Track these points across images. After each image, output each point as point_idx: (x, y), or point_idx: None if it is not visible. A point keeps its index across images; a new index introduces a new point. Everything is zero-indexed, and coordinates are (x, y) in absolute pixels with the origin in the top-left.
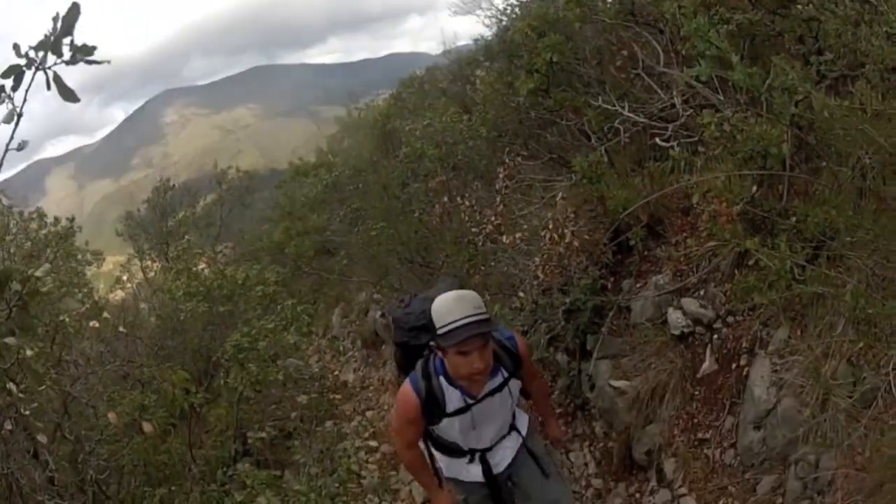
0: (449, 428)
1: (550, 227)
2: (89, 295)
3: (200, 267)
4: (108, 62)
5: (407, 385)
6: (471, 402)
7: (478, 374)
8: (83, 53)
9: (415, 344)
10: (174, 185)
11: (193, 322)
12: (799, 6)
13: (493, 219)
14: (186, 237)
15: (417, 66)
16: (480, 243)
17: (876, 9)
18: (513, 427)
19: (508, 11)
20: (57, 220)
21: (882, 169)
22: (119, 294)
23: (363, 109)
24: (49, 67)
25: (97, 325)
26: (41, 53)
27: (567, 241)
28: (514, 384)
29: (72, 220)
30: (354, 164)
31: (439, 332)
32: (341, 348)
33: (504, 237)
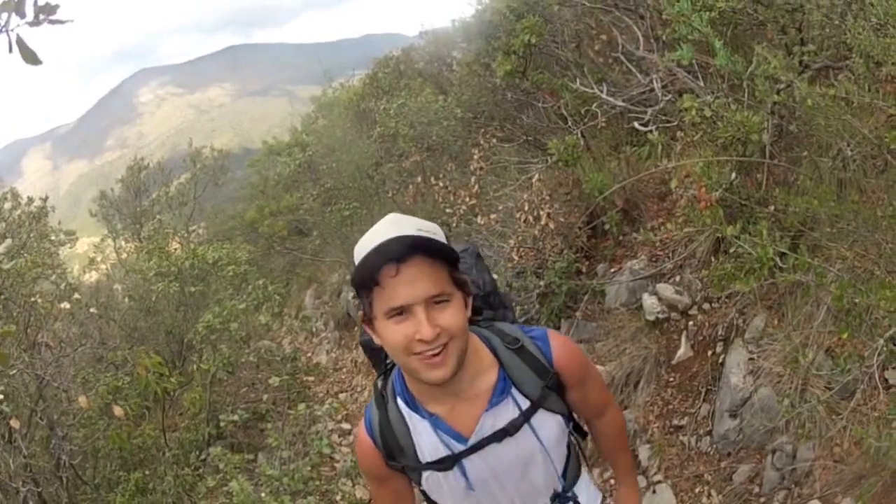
0: (436, 489)
1: (525, 209)
2: (63, 276)
3: (173, 247)
4: (72, 21)
5: (361, 424)
6: (460, 448)
7: (434, 359)
8: (46, 13)
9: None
10: (148, 165)
11: (166, 303)
12: None
13: (467, 199)
14: (158, 217)
15: (394, 47)
16: (454, 224)
17: (863, 1)
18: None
19: None
20: (31, 199)
21: (864, 161)
22: (93, 275)
23: (338, 89)
24: (11, 30)
25: (68, 306)
26: (4, 15)
27: (542, 223)
28: (549, 421)
29: (45, 199)
30: (328, 143)
31: (355, 276)
32: (314, 329)
33: (479, 218)
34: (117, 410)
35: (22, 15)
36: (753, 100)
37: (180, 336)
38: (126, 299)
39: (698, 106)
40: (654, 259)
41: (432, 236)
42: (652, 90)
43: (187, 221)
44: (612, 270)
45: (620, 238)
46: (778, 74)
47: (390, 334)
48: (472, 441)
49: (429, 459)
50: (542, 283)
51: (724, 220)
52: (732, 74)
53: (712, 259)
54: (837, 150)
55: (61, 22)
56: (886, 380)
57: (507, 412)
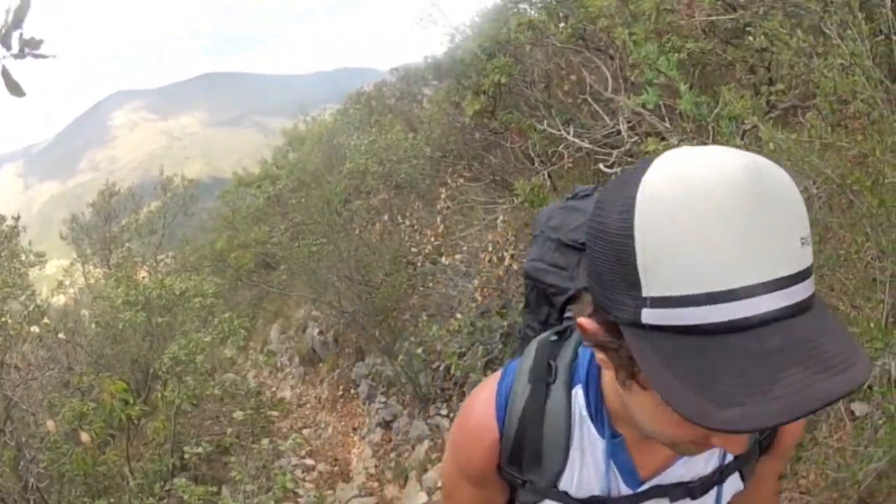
0: None
1: (490, 249)
2: (32, 298)
3: (141, 275)
4: (55, 56)
5: (485, 391)
6: (623, 492)
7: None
8: (31, 47)
9: (553, 289)
10: (119, 191)
11: (132, 331)
12: (751, 37)
13: (433, 239)
14: (128, 244)
15: (367, 81)
16: (420, 263)
17: (830, 41)
18: None
19: (461, 29)
20: (2, 218)
21: (828, 199)
22: (61, 298)
23: (310, 123)
24: None
25: (37, 330)
26: None
27: (507, 264)
28: (732, 488)
29: (17, 219)
30: (298, 178)
31: (655, 297)
32: (278, 364)
33: (444, 258)
34: (84, 436)
35: (8, 47)
36: (718, 142)
37: (146, 365)
38: (93, 325)
39: (662, 149)
40: None
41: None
42: (618, 132)
43: (156, 250)
44: None
45: None
46: (743, 116)
47: (666, 421)
48: (645, 487)
49: (572, 491)
50: (505, 323)
51: None
52: (697, 117)
53: None
54: (803, 187)
55: (44, 56)
56: (853, 411)
57: (702, 464)
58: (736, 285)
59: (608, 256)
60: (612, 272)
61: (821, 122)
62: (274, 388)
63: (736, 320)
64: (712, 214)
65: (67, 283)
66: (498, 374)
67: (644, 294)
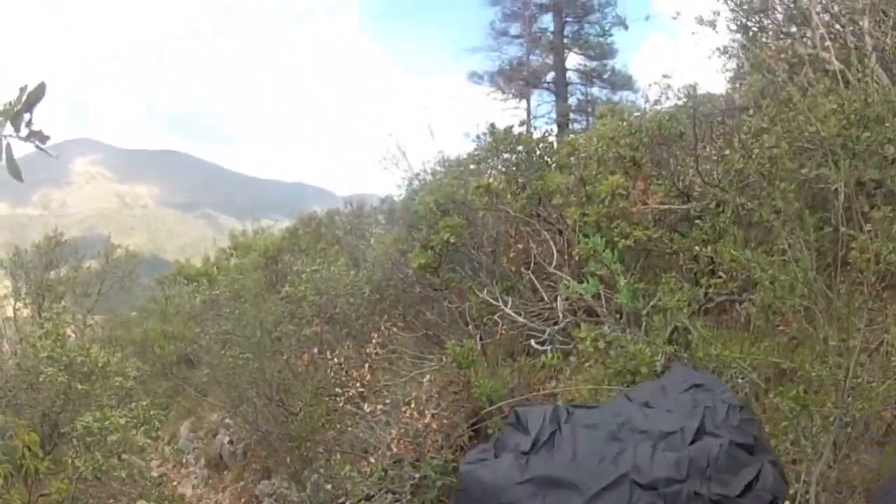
0: None
1: (413, 405)
2: None
3: (69, 333)
4: (56, 157)
5: None
6: None
7: None
8: (38, 139)
9: None
10: (65, 242)
11: (50, 386)
12: (699, 229)
13: (358, 385)
14: (63, 302)
15: (321, 203)
16: (342, 403)
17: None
18: None
19: (421, 177)
20: None
21: (753, 386)
22: None
23: (258, 234)
24: (3, 136)
25: None
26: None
27: (426, 420)
28: None
29: None
30: (237, 289)
31: None
32: (184, 460)
33: (366, 405)
34: None
35: (17, 129)
36: (649, 334)
37: (55, 421)
38: (10, 360)
39: (594, 337)
40: None
41: None
42: (554, 308)
43: (86, 313)
44: None
45: None
46: (679, 307)
47: None
48: None
49: None
50: (417, 475)
51: None
52: (633, 311)
53: None
54: (729, 377)
55: (48, 153)
56: None
57: None
58: None
59: None
60: None
61: (757, 313)
62: (176, 483)
63: None
64: None
65: None
66: None
67: None
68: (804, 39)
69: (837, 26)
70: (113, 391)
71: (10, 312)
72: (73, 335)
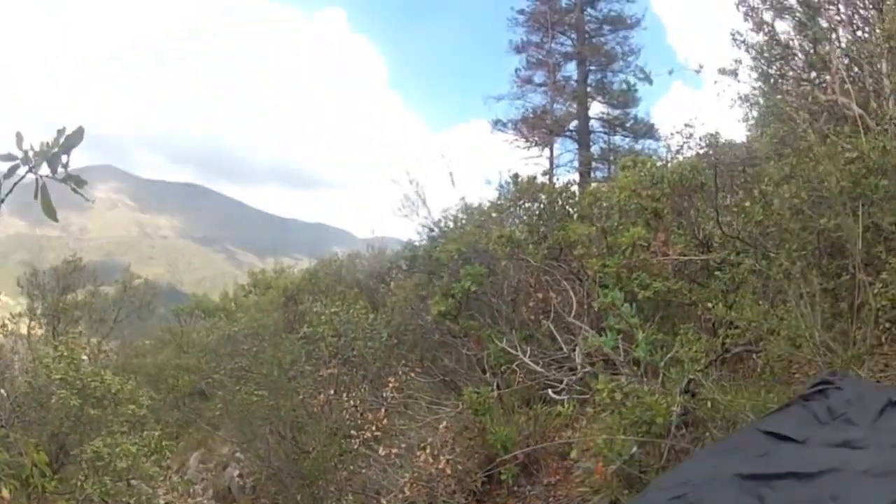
0: None
1: (427, 449)
2: None
3: (83, 357)
4: (92, 202)
5: None
6: None
7: None
8: (75, 182)
9: None
10: (84, 267)
11: (61, 407)
12: (717, 280)
13: (373, 428)
14: (80, 329)
15: (341, 244)
16: (356, 445)
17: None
18: None
19: (443, 225)
20: None
21: None
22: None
23: (278, 273)
24: (41, 176)
25: None
26: (38, 159)
27: (441, 466)
28: None
29: None
30: (256, 327)
31: None
32: (191, 491)
33: (381, 447)
34: (4, 491)
35: (54, 170)
36: (665, 386)
37: (63, 442)
38: (21, 377)
39: (611, 388)
40: None
41: None
42: (572, 358)
43: (101, 339)
44: None
45: (515, 489)
46: (696, 359)
47: None
48: None
49: None
50: None
51: (617, 486)
52: (651, 363)
53: None
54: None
55: (85, 198)
56: None
57: None
58: None
59: None
60: None
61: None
62: None
63: None
64: None
65: (10, 328)
66: None
67: None
68: (823, 85)
69: (856, 69)
70: (125, 418)
71: (23, 330)
72: (87, 359)
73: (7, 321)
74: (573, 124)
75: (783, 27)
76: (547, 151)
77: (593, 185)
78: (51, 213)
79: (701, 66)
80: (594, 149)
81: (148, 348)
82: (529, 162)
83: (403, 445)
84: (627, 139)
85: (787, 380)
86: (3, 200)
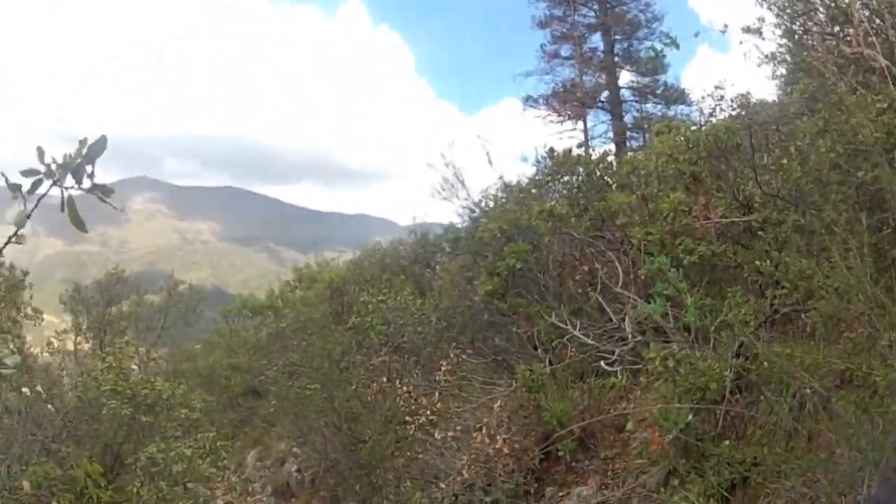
0: None
1: (483, 430)
2: (21, 348)
3: (132, 367)
4: (122, 210)
5: None
6: None
7: None
8: (101, 192)
9: None
10: (127, 278)
11: (113, 417)
12: (761, 241)
13: (428, 412)
14: (127, 339)
15: (384, 234)
16: (412, 431)
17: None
18: None
19: (483, 205)
20: (13, 266)
21: (821, 398)
22: (46, 356)
23: (322, 266)
24: (66, 187)
25: (28, 392)
26: (61, 171)
27: (498, 445)
28: None
29: (26, 274)
30: (304, 321)
31: None
32: (250, 489)
33: (437, 431)
34: None
35: (79, 181)
36: (717, 351)
37: (116, 451)
38: (70, 393)
39: (663, 356)
40: (603, 486)
41: None
42: (622, 329)
43: (150, 348)
44: (560, 494)
45: (573, 464)
46: (746, 321)
47: None
48: None
49: None
50: (489, 499)
51: (674, 456)
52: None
53: (661, 489)
54: (797, 387)
55: (113, 206)
56: None
57: None
58: None
59: None
60: None
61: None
62: None
63: None
64: None
65: (56, 344)
66: None
67: None
68: (847, 39)
69: (878, 21)
70: (178, 422)
71: (70, 346)
72: (137, 368)
73: (53, 339)
74: (604, 95)
75: None
76: (580, 124)
77: (629, 154)
78: (79, 224)
79: (726, 26)
80: (627, 118)
81: (198, 352)
82: (564, 136)
83: (459, 428)
84: (659, 106)
85: (836, 339)
86: (29, 216)
